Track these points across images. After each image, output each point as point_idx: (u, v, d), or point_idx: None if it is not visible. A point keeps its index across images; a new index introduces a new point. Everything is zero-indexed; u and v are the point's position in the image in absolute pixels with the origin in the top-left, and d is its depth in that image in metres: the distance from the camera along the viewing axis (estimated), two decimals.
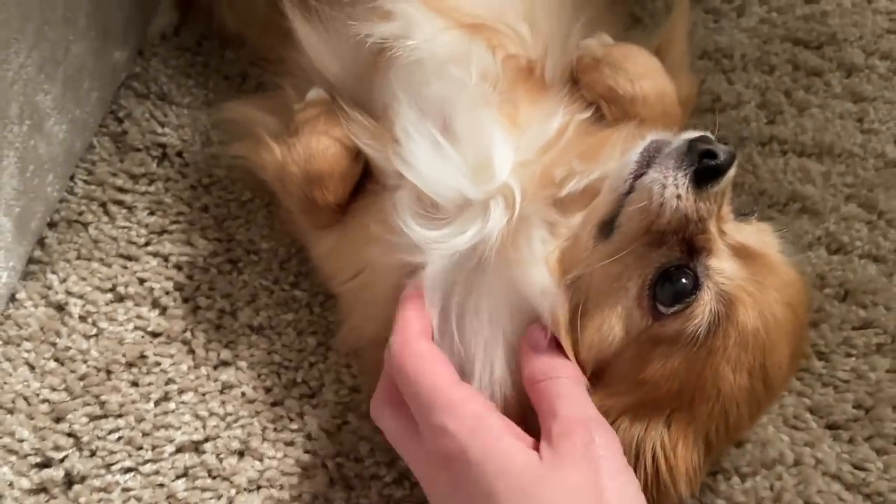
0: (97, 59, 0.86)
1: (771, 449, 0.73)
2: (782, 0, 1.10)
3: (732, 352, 0.57)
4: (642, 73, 0.71)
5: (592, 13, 0.81)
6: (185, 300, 0.81)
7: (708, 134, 0.62)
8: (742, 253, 0.60)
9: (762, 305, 0.58)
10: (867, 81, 1.03)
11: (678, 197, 0.58)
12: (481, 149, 0.63)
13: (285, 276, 0.83)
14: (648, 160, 0.61)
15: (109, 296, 0.81)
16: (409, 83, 0.67)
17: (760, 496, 0.72)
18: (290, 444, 0.74)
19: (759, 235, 0.63)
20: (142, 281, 0.82)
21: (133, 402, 0.75)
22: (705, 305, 0.57)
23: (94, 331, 0.78)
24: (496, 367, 0.62)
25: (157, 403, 0.75)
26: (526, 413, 0.61)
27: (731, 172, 0.60)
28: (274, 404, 0.76)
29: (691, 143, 0.60)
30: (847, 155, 0.96)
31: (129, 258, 0.83)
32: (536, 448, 0.56)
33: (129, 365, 0.77)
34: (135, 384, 0.76)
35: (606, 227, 0.61)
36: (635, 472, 0.57)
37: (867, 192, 0.92)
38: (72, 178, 0.87)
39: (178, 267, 0.83)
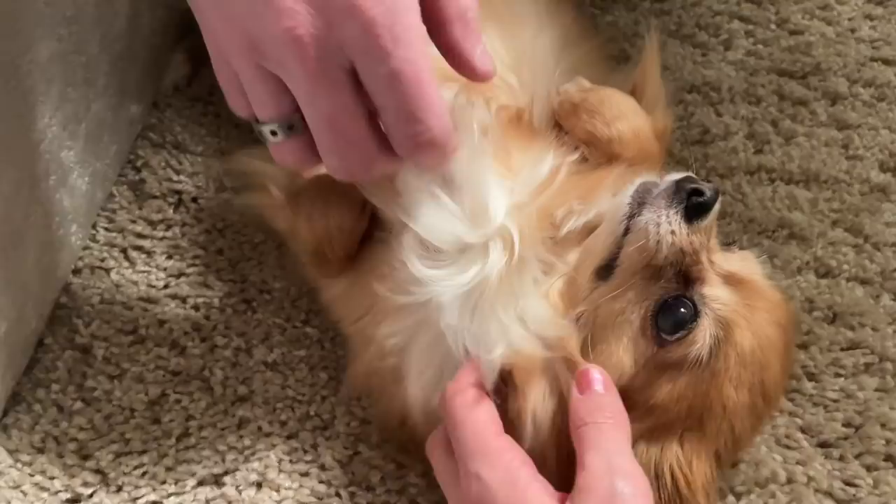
0: (115, 114, 0.92)
1: (764, 468, 0.77)
2: (768, 33, 1.15)
3: (733, 371, 0.63)
4: (617, 115, 0.76)
5: (576, 57, 0.85)
6: (203, 340, 0.85)
7: (691, 174, 0.67)
8: (731, 280, 0.65)
9: (755, 327, 0.63)
10: (851, 109, 1.07)
11: (672, 233, 0.63)
12: (478, 195, 0.68)
13: (297, 313, 0.87)
14: (640, 202, 0.66)
15: (131, 338, 0.85)
16: None
17: None
18: (306, 474, 0.77)
19: (744, 263, 0.68)
20: (162, 322, 0.86)
21: (156, 438, 0.79)
22: (705, 331, 0.63)
23: (118, 371, 0.83)
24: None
25: (178, 439, 0.79)
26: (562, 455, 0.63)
27: (717, 207, 0.65)
28: (289, 437, 0.79)
29: (679, 183, 0.65)
30: (833, 181, 0.99)
31: (150, 301, 0.88)
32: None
33: (152, 403, 0.81)
34: (157, 421, 0.80)
35: (604, 270, 0.65)
36: (657, 490, 0.62)
37: (853, 216, 0.96)
38: (94, 226, 0.92)
39: (196, 308, 0.88)
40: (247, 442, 0.79)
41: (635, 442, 0.63)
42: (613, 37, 1.12)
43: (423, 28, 0.56)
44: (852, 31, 1.16)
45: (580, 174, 0.74)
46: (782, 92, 1.08)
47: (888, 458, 0.78)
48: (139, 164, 0.97)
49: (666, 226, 0.63)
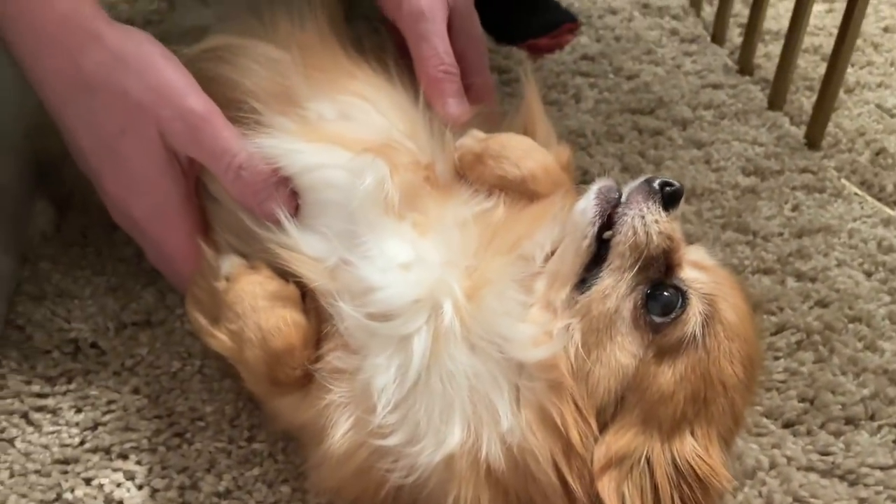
0: None
1: (748, 459, 0.77)
2: (609, 81, 1.25)
3: (724, 346, 0.64)
4: (522, 155, 0.78)
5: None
6: (140, 487, 0.76)
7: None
8: (697, 266, 0.68)
9: (731, 301, 0.66)
10: (701, 130, 1.16)
11: (656, 221, 0.66)
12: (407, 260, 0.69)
13: (239, 433, 0.80)
14: (605, 204, 0.68)
15: None
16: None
17: None
18: None
19: (701, 253, 0.71)
20: (88, 481, 0.76)
21: None
22: (695, 307, 0.65)
23: None
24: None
25: None
26: None
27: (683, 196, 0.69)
28: None
29: (647, 181, 0.68)
30: (708, 192, 1.07)
31: (67, 461, 0.77)
32: None
33: None
34: None
35: (582, 281, 0.66)
36: (680, 487, 0.62)
37: (737, 217, 1.03)
38: None
39: (123, 456, 0.78)
40: None
41: (650, 444, 0.63)
42: None
43: None
44: (678, 66, 1.28)
45: (510, 218, 0.74)
46: (638, 126, 1.16)
47: (848, 420, 0.82)
48: (21, 321, 0.88)
49: (650, 216, 0.66)
